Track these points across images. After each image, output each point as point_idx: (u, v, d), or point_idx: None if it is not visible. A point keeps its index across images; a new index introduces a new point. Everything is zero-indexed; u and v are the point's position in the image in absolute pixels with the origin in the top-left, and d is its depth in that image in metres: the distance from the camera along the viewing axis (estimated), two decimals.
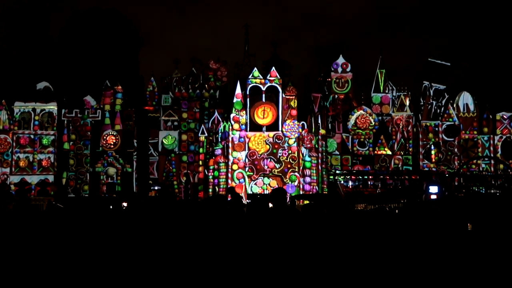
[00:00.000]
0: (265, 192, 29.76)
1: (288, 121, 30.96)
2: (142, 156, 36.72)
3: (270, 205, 9.04)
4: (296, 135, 30.90)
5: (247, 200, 26.62)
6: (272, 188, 29.84)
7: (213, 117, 34.96)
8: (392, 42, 78.23)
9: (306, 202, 24.49)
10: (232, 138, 30.90)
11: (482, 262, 7.96)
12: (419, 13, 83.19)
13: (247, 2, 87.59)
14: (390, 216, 12.47)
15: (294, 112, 31.29)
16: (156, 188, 35.96)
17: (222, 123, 32.45)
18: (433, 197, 23.16)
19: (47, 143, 35.29)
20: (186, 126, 37.46)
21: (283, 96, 31.40)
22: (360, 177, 33.60)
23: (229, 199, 13.65)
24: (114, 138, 35.52)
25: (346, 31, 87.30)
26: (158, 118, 37.60)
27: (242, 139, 30.96)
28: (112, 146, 35.47)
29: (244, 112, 31.22)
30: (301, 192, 30.14)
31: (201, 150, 35.11)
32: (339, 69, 38.33)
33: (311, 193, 30.31)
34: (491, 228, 9.88)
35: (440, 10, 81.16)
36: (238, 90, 31.51)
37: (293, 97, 31.41)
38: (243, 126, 31.08)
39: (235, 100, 31.45)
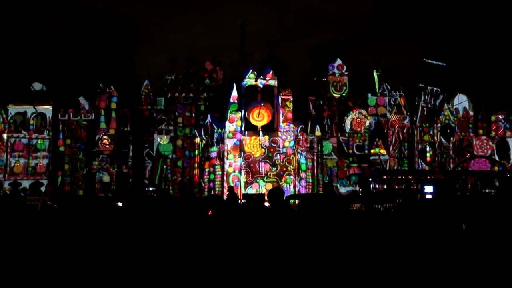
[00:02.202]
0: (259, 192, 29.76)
1: (283, 124, 30.97)
2: (137, 156, 36.65)
3: (266, 204, 9.05)
4: (292, 138, 30.91)
5: (243, 200, 26.59)
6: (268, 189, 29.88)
7: (207, 121, 34.39)
8: (389, 43, 78.48)
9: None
10: (227, 141, 30.86)
11: (476, 261, 7.98)
12: (416, 15, 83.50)
13: (246, 2, 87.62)
14: (383, 216, 12.49)
15: (289, 115, 31.27)
16: (151, 189, 35.84)
17: (217, 127, 32.24)
18: (428, 197, 23.19)
19: (41, 147, 35.01)
20: (181, 131, 37.13)
21: (280, 96, 31.39)
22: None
23: (225, 198, 13.68)
24: (109, 140, 35.56)
25: (344, 32, 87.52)
26: (153, 120, 37.38)
27: (238, 141, 30.90)
28: (107, 146, 35.55)
29: (239, 112, 31.15)
30: None
31: (196, 152, 34.77)
32: (336, 72, 38.21)
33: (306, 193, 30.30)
34: (485, 228, 9.90)
35: (438, 12, 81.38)
36: (235, 92, 31.42)
37: (289, 99, 31.38)
38: (239, 129, 31.03)
39: (231, 101, 31.38)
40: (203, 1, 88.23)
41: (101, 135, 35.36)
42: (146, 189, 35.87)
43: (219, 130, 31.67)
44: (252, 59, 37.29)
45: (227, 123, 30.97)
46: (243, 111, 31.31)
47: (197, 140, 34.43)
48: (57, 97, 37.16)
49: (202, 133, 33.81)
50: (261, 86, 31.47)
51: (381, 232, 8.83)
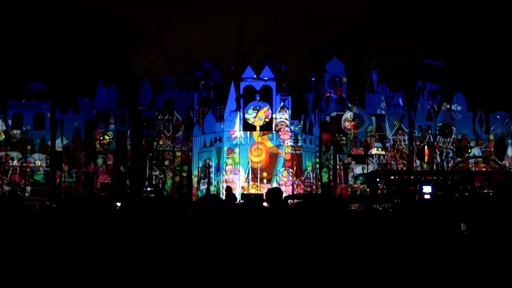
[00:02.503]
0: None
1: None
2: (136, 156, 36.63)
3: (265, 204, 9.04)
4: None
5: (241, 200, 26.59)
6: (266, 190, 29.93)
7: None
8: (387, 43, 78.48)
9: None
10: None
11: (474, 261, 7.97)
12: (415, 15, 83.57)
13: (244, 2, 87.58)
14: (381, 216, 12.48)
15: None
16: (148, 189, 35.72)
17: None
18: (427, 197, 23.18)
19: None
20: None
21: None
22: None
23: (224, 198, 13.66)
24: (108, 138, 35.72)
25: (342, 31, 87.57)
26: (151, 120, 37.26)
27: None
28: (105, 146, 35.82)
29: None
30: None
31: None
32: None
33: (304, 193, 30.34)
34: (485, 228, 9.90)
35: (436, 12, 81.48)
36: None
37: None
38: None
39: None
40: (202, 1, 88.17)
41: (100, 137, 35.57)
42: (144, 189, 35.80)
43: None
44: (250, 59, 37.11)
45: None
46: (241, 111, 31.36)
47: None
48: (55, 97, 37.16)
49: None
50: (260, 85, 31.55)
51: (378, 232, 8.83)
